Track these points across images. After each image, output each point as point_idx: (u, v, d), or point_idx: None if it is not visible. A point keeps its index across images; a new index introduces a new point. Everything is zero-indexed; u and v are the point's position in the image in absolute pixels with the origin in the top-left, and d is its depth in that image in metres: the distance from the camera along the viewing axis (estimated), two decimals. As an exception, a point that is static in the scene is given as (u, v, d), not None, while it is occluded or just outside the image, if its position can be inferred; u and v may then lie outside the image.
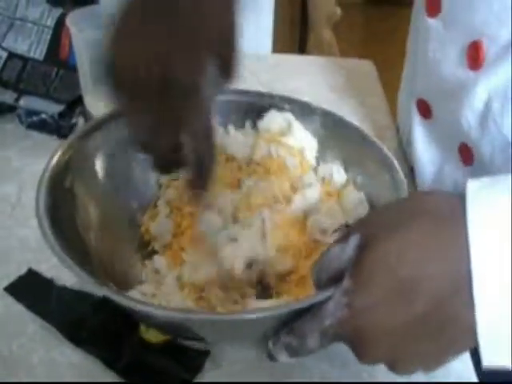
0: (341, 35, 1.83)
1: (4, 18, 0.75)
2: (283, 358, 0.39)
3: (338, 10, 1.37)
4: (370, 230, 0.36)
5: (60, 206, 0.48)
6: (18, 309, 0.52)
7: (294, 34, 1.57)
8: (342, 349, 0.49)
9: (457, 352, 0.36)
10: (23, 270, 0.55)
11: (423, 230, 0.35)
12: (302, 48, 1.56)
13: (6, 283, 0.54)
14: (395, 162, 0.53)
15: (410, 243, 0.34)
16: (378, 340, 0.35)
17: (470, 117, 0.55)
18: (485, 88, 0.53)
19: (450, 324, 0.34)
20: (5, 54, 0.75)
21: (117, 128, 0.53)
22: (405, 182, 0.51)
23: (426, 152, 0.65)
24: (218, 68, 0.43)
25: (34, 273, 0.54)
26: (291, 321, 0.38)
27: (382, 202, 0.54)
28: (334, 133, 0.60)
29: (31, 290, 0.53)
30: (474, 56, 0.53)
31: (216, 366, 0.48)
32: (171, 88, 0.39)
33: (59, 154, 0.52)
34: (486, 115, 0.54)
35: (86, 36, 0.68)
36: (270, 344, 0.39)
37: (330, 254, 0.37)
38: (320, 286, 0.39)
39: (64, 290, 0.52)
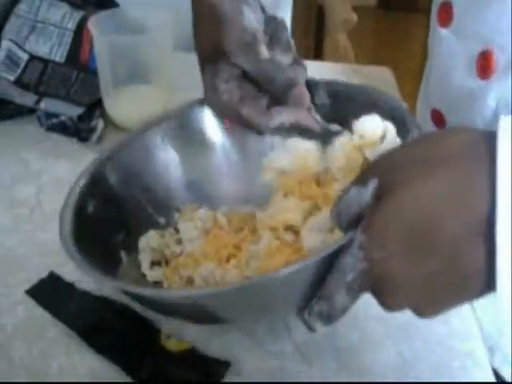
0: (352, 40, 1.82)
1: (26, 21, 0.76)
2: (319, 327, 0.39)
3: (355, 16, 1.36)
4: (387, 176, 0.35)
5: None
6: (39, 312, 0.52)
7: (309, 39, 1.57)
8: (364, 360, 0.50)
9: (473, 295, 0.35)
10: (43, 274, 0.55)
11: (442, 179, 0.33)
12: (317, 53, 1.56)
13: (26, 287, 0.54)
14: (405, 107, 0.51)
15: (427, 195, 0.33)
16: (398, 289, 0.36)
17: (480, 126, 0.55)
18: (493, 97, 0.53)
19: (467, 271, 0.34)
20: (26, 57, 0.75)
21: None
22: (419, 127, 0.49)
23: None
24: None
25: (56, 276, 0.54)
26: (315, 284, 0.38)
27: None
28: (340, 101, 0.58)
29: (52, 293, 0.53)
30: (484, 65, 0.53)
31: (236, 375, 0.48)
32: None
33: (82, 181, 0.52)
34: (494, 125, 0.54)
35: (107, 39, 0.69)
36: (306, 315, 0.39)
37: (347, 197, 0.37)
38: (342, 229, 0.38)
39: (85, 294, 0.52)
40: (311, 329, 0.39)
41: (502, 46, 0.51)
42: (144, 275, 0.53)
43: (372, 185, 0.35)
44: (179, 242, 0.55)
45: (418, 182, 0.34)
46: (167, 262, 0.54)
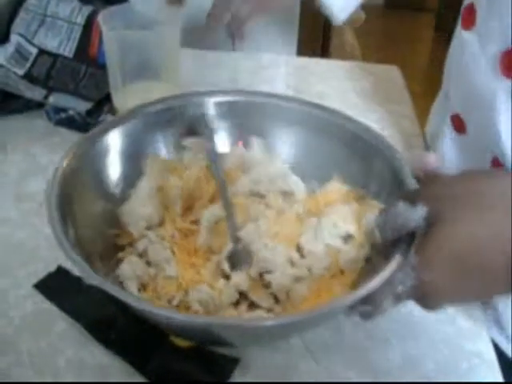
0: (359, 38, 1.81)
1: (35, 15, 0.76)
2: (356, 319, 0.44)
3: (363, 14, 1.35)
4: (438, 205, 0.40)
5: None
6: (46, 307, 0.52)
7: (317, 37, 1.57)
8: (371, 358, 0.50)
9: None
10: (51, 268, 0.55)
11: (490, 216, 0.39)
12: (324, 51, 1.56)
13: (34, 280, 0.54)
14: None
15: (477, 229, 0.39)
16: (441, 299, 0.42)
17: (502, 127, 0.55)
18: None
19: (497, 283, 0.40)
20: (35, 51, 0.75)
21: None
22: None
23: (458, 167, 0.64)
24: None
25: (64, 270, 0.54)
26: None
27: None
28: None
29: (60, 287, 0.53)
30: (508, 63, 0.53)
31: (245, 372, 0.48)
32: None
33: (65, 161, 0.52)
34: None
35: (116, 34, 0.69)
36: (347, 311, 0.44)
37: (396, 210, 0.42)
38: (383, 237, 0.44)
39: (93, 288, 0.52)
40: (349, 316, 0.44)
41: None
42: None
43: (422, 209, 0.40)
44: (148, 263, 0.53)
45: (470, 216, 0.39)
46: (144, 287, 0.51)
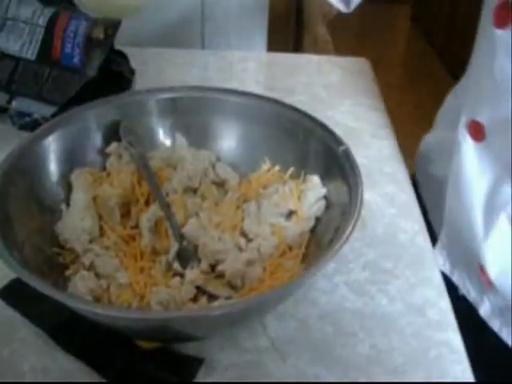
0: (334, 32, 1.81)
1: (-5, 18, 0.74)
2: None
3: (334, 9, 1.35)
4: None
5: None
6: (9, 314, 0.51)
7: (289, 32, 1.57)
8: (339, 353, 0.50)
9: None
10: (12, 275, 0.54)
11: None
12: (296, 46, 1.56)
13: (-3, 287, 0.53)
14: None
15: None
16: None
17: None
18: None
19: None
20: (-4, 55, 0.74)
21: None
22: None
23: (476, 174, 0.61)
24: None
25: (25, 277, 0.53)
26: None
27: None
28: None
29: (22, 294, 0.52)
30: None
31: (210, 372, 0.48)
32: None
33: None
34: None
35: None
36: None
37: None
38: None
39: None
40: None
41: None
42: None
43: None
44: (97, 275, 0.52)
45: None
46: (98, 300, 0.50)
